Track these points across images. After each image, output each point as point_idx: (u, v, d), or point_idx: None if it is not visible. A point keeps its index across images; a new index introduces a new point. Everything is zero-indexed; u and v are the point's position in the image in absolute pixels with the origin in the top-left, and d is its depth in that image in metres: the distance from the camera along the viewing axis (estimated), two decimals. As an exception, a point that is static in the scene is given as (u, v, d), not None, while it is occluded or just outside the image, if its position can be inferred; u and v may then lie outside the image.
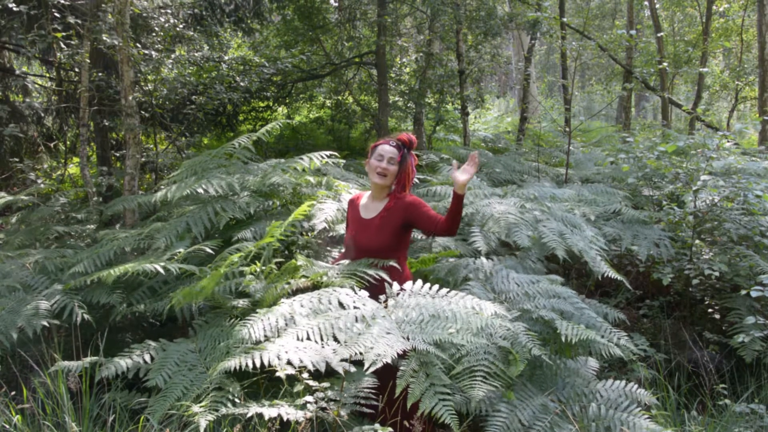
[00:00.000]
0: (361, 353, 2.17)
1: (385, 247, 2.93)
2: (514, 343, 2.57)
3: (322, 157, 3.78)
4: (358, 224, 3.03)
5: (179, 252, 3.19)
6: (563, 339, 2.62)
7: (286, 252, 3.66)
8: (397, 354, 2.18)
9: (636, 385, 2.71)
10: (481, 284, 3.07)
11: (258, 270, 2.87)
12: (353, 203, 3.13)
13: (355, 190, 3.92)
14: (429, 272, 3.39)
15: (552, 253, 3.53)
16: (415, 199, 2.96)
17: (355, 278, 2.71)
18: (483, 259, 3.39)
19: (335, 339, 2.29)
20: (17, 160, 6.40)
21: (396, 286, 2.66)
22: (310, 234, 3.61)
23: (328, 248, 3.70)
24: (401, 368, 2.27)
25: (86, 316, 3.13)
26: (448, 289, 2.59)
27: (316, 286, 2.80)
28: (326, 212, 3.44)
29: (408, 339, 2.28)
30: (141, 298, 3.38)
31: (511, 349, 2.54)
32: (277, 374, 2.28)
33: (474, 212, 3.75)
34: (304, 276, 2.80)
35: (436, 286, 2.61)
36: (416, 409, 2.25)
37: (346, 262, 2.98)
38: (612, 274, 3.43)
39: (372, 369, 2.11)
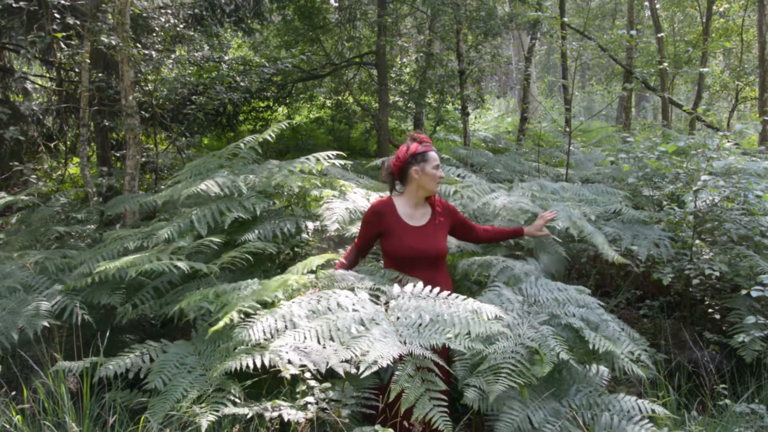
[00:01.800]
0: (357, 356, 2.17)
1: (446, 251, 3.06)
2: (542, 345, 2.59)
3: (329, 157, 3.77)
4: (408, 233, 2.94)
5: (183, 246, 3.16)
6: (591, 347, 2.64)
7: (290, 253, 3.65)
8: (395, 357, 2.18)
9: (647, 401, 2.71)
10: (510, 287, 3.08)
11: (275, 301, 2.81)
12: (386, 211, 2.97)
13: (359, 189, 3.90)
14: (461, 273, 3.40)
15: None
16: (448, 203, 3.14)
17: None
18: (509, 260, 3.40)
19: (332, 340, 2.28)
20: (17, 163, 6.40)
21: (396, 288, 2.66)
22: (317, 235, 3.59)
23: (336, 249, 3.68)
24: (396, 372, 2.26)
25: (86, 317, 3.13)
26: (448, 292, 2.59)
27: None
28: (336, 212, 3.38)
29: (405, 343, 2.27)
30: (146, 298, 3.36)
31: (539, 350, 2.55)
32: (280, 375, 2.28)
33: (483, 205, 3.73)
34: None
35: (437, 289, 2.61)
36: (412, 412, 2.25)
37: (356, 270, 2.98)
38: (617, 257, 3.46)
39: (368, 372, 2.10)
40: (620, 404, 2.68)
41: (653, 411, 2.67)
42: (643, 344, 3.79)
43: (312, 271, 2.78)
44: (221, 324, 2.41)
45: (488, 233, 3.27)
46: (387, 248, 2.98)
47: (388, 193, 3.09)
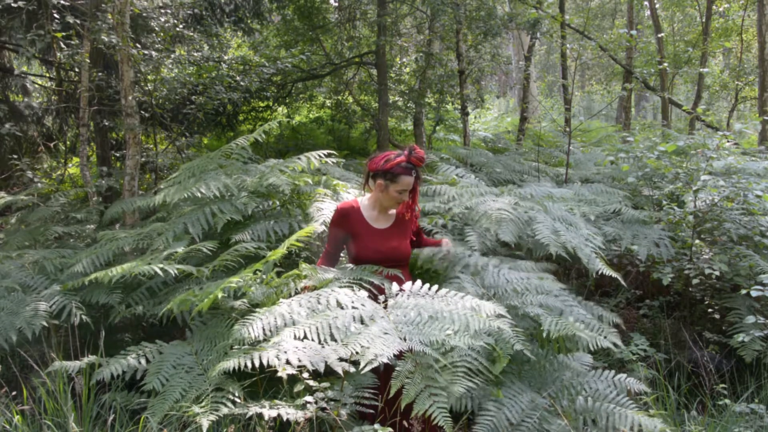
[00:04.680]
0: (357, 353, 2.17)
1: (410, 253, 3.05)
2: (498, 340, 2.55)
3: (320, 156, 3.78)
4: (373, 236, 2.95)
5: (177, 252, 3.18)
6: (544, 334, 2.61)
7: (284, 252, 3.64)
8: (395, 355, 2.18)
9: (625, 375, 2.70)
10: (472, 279, 3.06)
11: (259, 279, 2.85)
12: (353, 214, 2.98)
13: (354, 189, 3.91)
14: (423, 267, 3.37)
15: (551, 253, 3.52)
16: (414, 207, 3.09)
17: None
18: (476, 254, 3.37)
19: (333, 338, 2.28)
20: (15, 156, 6.40)
21: (396, 286, 2.66)
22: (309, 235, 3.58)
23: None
24: (397, 369, 2.26)
25: (84, 318, 3.13)
26: (447, 290, 2.59)
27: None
28: (325, 213, 3.39)
29: (405, 340, 2.27)
30: (140, 299, 3.37)
31: (494, 346, 2.53)
32: (278, 374, 2.28)
33: (468, 209, 3.73)
34: (307, 281, 2.78)
35: (435, 287, 2.61)
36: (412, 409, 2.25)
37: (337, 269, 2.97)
38: (606, 271, 3.40)
39: (368, 369, 2.10)
40: (596, 384, 2.67)
41: (631, 390, 2.66)
42: (643, 343, 3.80)
43: (290, 251, 2.84)
44: (206, 301, 2.54)
45: (427, 243, 3.25)
46: (352, 251, 2.98)
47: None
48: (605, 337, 2.80)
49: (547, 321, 2.66)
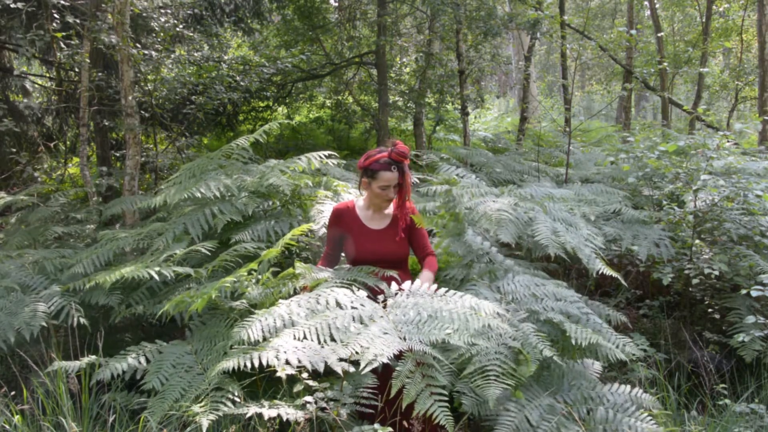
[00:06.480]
0: (357, 353, 2.16)
1: (407, 254, 3.02)
2: (524, 344, 2.57)
3: (321, 157, 3.78)
4: (367, 236, 2.94)
5: (176, 253, 3.18)
6: (573, 342, 2.62)
7: (285, 252, 3.65)
8: (395, 354, 2.18)
9: (641, 390, 2.71)
10: (487, 285, 3.06)
11: (255, 279, 2.85)
12: (348, 214, 2.98)
13: (354, 190, 3.90)
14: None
15: (551, 253, 3.52)
16: (415, 208, 3.06)
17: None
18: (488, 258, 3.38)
19: (332, 339, 2.28)
20: (15, 151, 6.39)
21: (394, 286, 2.66)
22: (309, 236, 3.59)
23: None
24: (397, 368, 2.26)
25: (82, 320, 3.13)
26: (447, 289, 2.59)
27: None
28: (325, 215, 3.40)
29: (405, 339, 2.27)
30: (140, 299, 3.37)
31: (522, 350, 2.54)
32: (278, 374, 2.27)
33: (469, 209, 3.73)
34: (303, 281, 2.78)
35: (435, 286, 2.61)
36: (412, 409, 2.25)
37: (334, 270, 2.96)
38: (607, 271, 3.41)
39: (368, 369, 2.10)
40: (614, 397, 2.68)
41: (645, 406, 2.67)
42: (643, 343, 3.80)
43: (288, 247, 2.85)
44: (200, 302, 2.55)
45: (423, 265, 3.05)
46: (348, 251, 2.98)
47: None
48: (623, 348, 2.82)
49: (573, 329, 2.67)
